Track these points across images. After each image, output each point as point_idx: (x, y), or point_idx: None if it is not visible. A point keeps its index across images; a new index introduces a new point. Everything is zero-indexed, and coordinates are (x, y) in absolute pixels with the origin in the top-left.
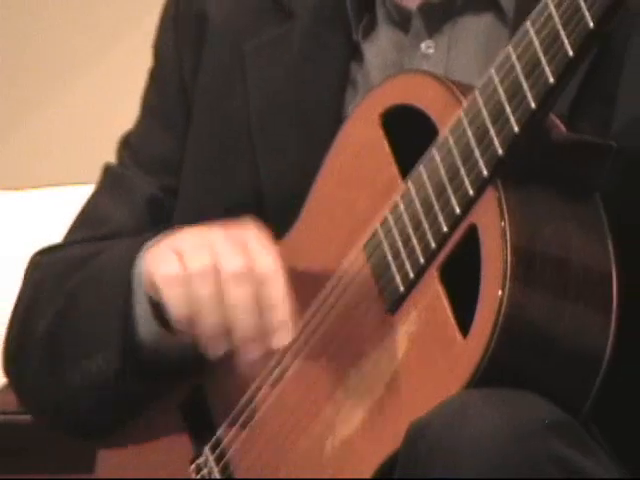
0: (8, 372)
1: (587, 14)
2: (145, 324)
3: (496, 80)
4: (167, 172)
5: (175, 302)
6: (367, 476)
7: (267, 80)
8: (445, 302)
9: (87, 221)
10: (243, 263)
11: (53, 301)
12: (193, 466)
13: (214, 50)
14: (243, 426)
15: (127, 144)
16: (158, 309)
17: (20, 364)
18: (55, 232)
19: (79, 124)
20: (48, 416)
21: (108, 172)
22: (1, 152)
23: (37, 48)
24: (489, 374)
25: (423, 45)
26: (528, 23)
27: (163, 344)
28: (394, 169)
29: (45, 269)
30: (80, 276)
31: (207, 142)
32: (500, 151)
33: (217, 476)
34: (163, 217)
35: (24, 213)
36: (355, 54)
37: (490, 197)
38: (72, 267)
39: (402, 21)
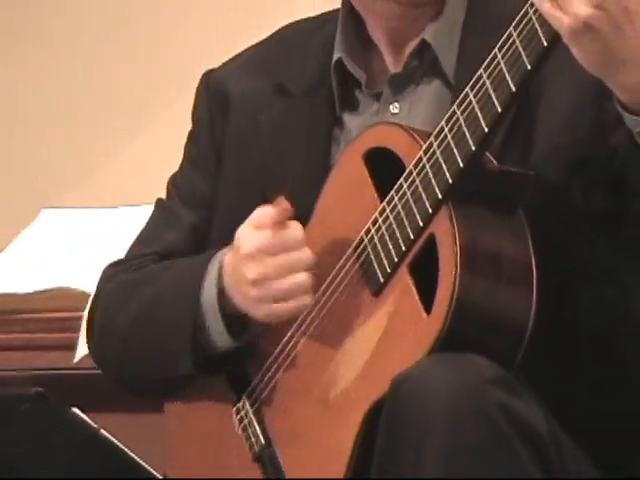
0: (91, 352)
1: (510, 83)
2: (220, 338)
3: (446, 129)
4: (203, 205)
5: (260, 314)
6: (361, 414)
7: (275, 141)
8: (413, 289)
9: (143, 240)
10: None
11: (130, 306)
12: (234, 409)
13: (236, 118)
14: (271, 378)
15: (173, 183)
16: (231, 324)
17: (101, 350)
18: None
19: (160, 156)
20: (121, 385)
21: (159, 204)
22: (119, 172)
23: (137, 89)
24: (446, 341)
25: (391, 107)
26: (468, 88)
27: (231, 346)
28: (374, 194)
29: (119, 278)
30: (151, 289)
31: (234, 183)
32: (450, 180)
33: (252, 416)
34: (200, 239)
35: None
36: (337, 121)
37: (444, 213)
38: (141, 279)
39: (374, 95)
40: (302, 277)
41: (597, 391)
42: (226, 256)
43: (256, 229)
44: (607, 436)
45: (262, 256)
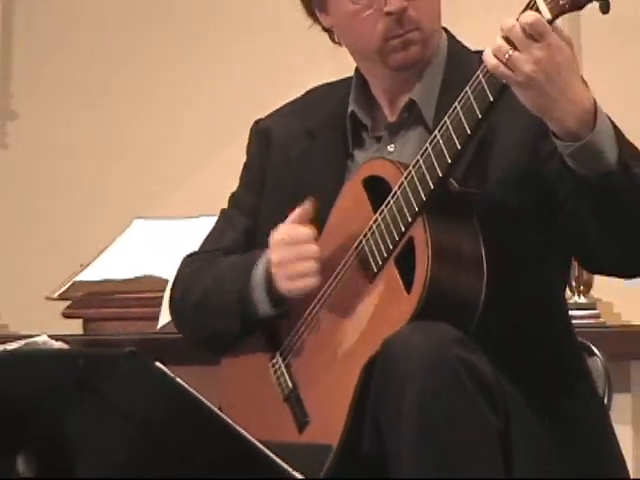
0: (173, 319)
1: (467, 127)
2: (263, 307)
3: (421, 161)
4: (252, 215)
5: (293, 284)
6: (361, 366)
7: (303, 170)
8: (397, 276)
9: (211, 239)
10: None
11: (200, 283)
12: (270, 363)
13: (275, 153)
14: (297, 340)
15: (233, 198)
16: (272, 297)
17: (180, 316)
18: None
19: (228, 177)
20: (193, 341)
21: (222, 212)
22: (199, 187)
23: (214, 119)
24: (421, 313)
25: (388, 147)
26: (436, 131)
27: (270, 314)
28: (370, 208)
29: (194, 264)
30: (216, 271)
31: (273, 201)
32: (424, 198)
33: (283, 368)
34: (250, 239)
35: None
36: (350, 156)
37: (419, 221)
38: (209, 265)
39: (377, 138)
40: (309, 264)
41: (525, 347)
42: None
43: (282, 226)
44: (533, 380)
45: (281, 245)
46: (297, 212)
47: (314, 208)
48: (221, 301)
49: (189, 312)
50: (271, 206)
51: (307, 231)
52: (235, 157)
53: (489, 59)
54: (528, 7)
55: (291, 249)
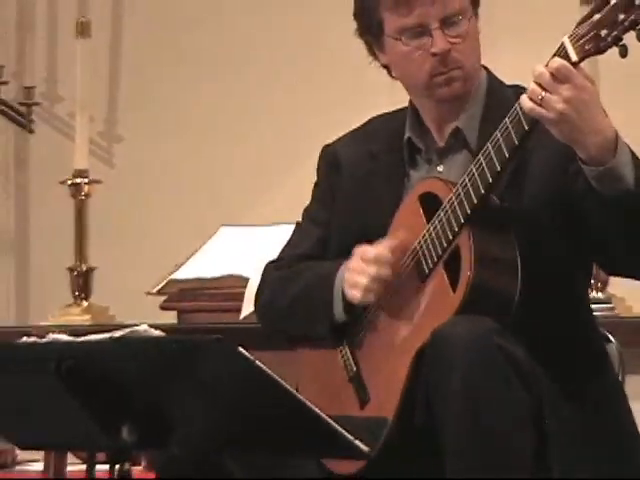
0: (258, 316)
1: (505, 152)
2: (339, 313)
3: (466, 180)
4: (323, 226)
5: (353, 292)
6: (412, 353)
7: (367, 187)
8: (445, 278)
9: (289, 247)
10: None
11: (289, 289)
12: (338, 350)
13: (342, 173)
14: (362, 329)
15: (306, 212)
16: (347, 303)
17: (268, 316)
18: None
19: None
20: (271, 334)
21: (298, 225)
22: (280, 197)
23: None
24: (464, 309)
25: (438, 167)
26: (480, 155)
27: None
28: (424, 220)
29: (279, 271)
30: (302, 279)
31: (342, 214)
32: (469, 211)
33: (348, 354)
34: (323, 246)
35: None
36: (407, 175)
37: (464, 231)
38: (294, 273)
39: (428, 160)
40: (366, 282)
41: (554, 336)
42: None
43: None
44: (562, 365)
45: (359, 260)
46: (389, 241)
47: (401, 240)
48: (311, 308)
49: (279, 314)
50: (340, 218)
51: (383, 253)
52: (307, 175)
53: (525, 103)
54: (558, 50)
55: (360, 263)
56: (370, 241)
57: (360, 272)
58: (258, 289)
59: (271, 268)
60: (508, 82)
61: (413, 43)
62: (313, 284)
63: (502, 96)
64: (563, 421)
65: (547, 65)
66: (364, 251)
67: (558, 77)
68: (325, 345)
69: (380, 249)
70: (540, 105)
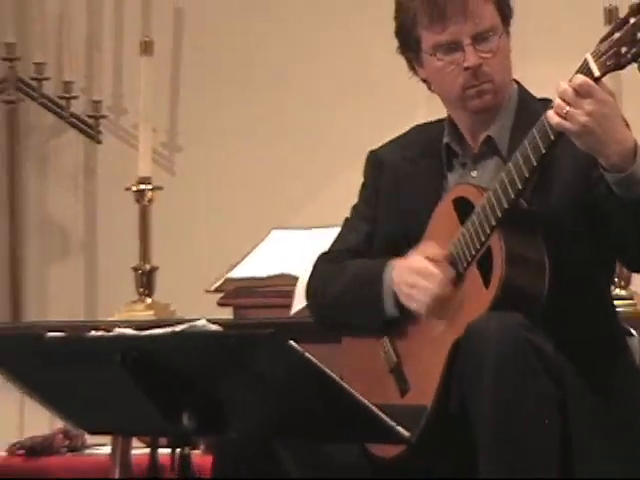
0: (310, 308)
1: (533, 160)
2: (390, 309)
3: (497, 186)
4: (369, 222)
5: (409, 303)
6: (449, 345)
7: (408, 189)
8: (478, 276)
9: (338, 241)
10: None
11: (339, 281)
12: (379, 343)
13: (385, 176)
14: (402, 323)
15: (354, 209)
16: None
17: (318, 304)
18: None
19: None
20: (326, 326)
21: (346, 220)
22: (328, 201)
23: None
24: (496, 304)
25: (472, 172)
26: (509, 163)
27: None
28: (458, 222)
29: (330, 263)
30: (350, 272)
31: (385, 213)
32: (499, 214)
33: (389, 346)
34: (369, 241)
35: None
36: (444, 178)
37: (496, 233)
38: (344, 266)
39: (463, 164)
40: (423, 299)
41: (580, 331)
42: (396, 265)
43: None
44: (587, 358)
45: (415, 273)
46: (436, 252)
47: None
48: (361, 300)
49: (328, 304)
50: (383, 217)
51: (437, 274)
52: (353, 181)
53: (551, 117)
54: (582, 66)
55: (420, 279)
56: (410, 238)
57: (421, 289)
58: (309, 279)
59: (322, 260)
60: (538, 95)
61: (447, 58)
62: (362, 277)
63: (532, 108)
64: (586, 413)
65: (570, 81)
66: (425, 267)
67: (580, 92)
68: (367, 338)
69: (440, 274)
70: (565, 118)
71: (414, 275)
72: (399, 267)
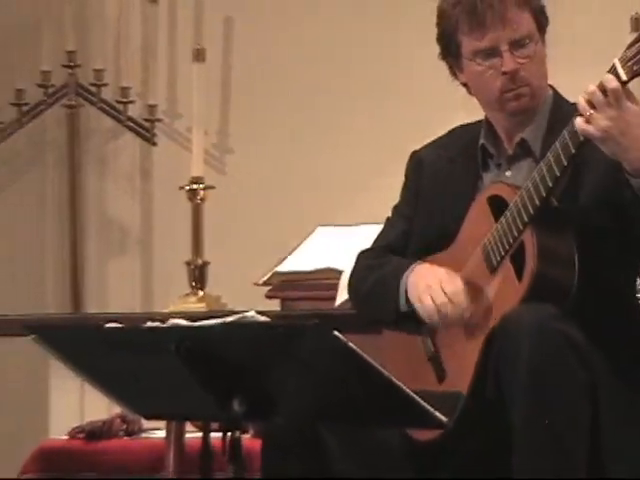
0: (351, 299)
1: (564, 159)
2: (404, 306)
3: (530, 185)
4: (408, 222)
5: (421, 309)
6: (484, 336)
7: (446, 188)
8: (512, 269)
9: (379, 238)
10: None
11: (371, 277)
12: (420, 339)
13: (425, 176)
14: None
15: (395, 208)
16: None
17: (356, 297)
18: None
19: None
20: (363, 317)
21: (388, 219)
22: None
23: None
24: (528, 296)
25: (506, 172)
26: (541, 163)
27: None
28: (492, 219)
29: (368, 260)
30: (381, 270)
31: (424, 210)
32: (532, 212)
33: (428, 339)
34: (407, 238)
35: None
36: (480, 178)
37: (528, 229)
38: (378, 263)
39: (498, 165)
40: (453, 313)
41: (607, 322)
42: (416, 269)
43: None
44: (614, 347)
45: (437, 283)
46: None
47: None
48: (381, 298)
49: (362, 296)
50: (422, 214)
51: (458, 288)
52: (395, 180)
53: (578, 123)
54: (610, 70)
55: (438, 289)
56: (445, 235)
57: (438, 307)
58: (350, 274)
59: (362, 257)
60: (571, 99)
61: (486, 63)
62: (387, 277)
63: (565, 112)
64: (613, 400)
65: (598, 85)
66: (448, 281)
67: (608, 95)
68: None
69: (460, 295)
70: (588, 122)
71: (439, 290)
72: (417, 270)
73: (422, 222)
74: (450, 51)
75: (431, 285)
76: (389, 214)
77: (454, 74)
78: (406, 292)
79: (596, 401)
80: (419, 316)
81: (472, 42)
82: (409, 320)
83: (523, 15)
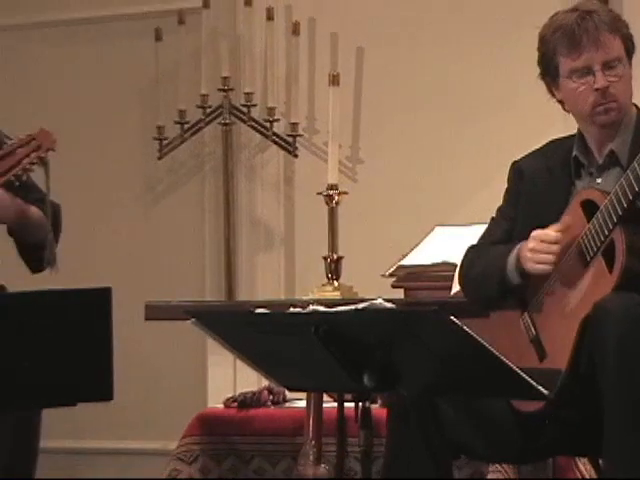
0: (462, 288)
1: None
2: (514, 277)
3: (618, 189)
4: (510, 222)
5: (530, 265)
6: (579, 320)
7: (544, 194)
8: (603, 263)
9: (484, 236)
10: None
11: (479, 264)
12: (520, 318)
13: (525, 183)
14: (539, 301)
15: (499, 210)
16: (521, 271)
17: (465, 284)
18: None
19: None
20: (472, 301)
21: (492, 219)
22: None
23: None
24: (619, 287)
25: (597, 180)
26: (628, 171)
27: (519, 283)
28: (585, 220)
29: (475, 252)
30: (488, 256)
31: (524, 213)
32: (620, 213)
33: (529, 320)
34: (510, 237)
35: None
36: (573, 184)
37: (617, 228)
38: (485, 252)
39: (590, 173)
40: (548, 257)
41: None
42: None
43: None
44: None
45: (537, 239)
46: (559, 224)
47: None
48: (488, 275)
49: (471, 282)
50: (522, 217)
51: (556, 235)
52: (500, 185)
53: None
54: None
55: (542, 244)
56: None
57: (540, 251)
58: (460, 266)
59: (470, 251)
60: None
61: (581, 81)
62: (494, 258)
63: None
64: None
65: None
66: (544, 234)
67: None
68: (511, 314)
69: (553, 233)
70: None
71: (533, 241)
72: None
73: (523, 224)
74: (549, 71)
75: (534, 246)
76: (493, 215)
77: (551, 92)
78: (516, 264)
79: None
80: (528, 275)
81: (569, 62)
82: (512, 296)
83: (614, 40)
